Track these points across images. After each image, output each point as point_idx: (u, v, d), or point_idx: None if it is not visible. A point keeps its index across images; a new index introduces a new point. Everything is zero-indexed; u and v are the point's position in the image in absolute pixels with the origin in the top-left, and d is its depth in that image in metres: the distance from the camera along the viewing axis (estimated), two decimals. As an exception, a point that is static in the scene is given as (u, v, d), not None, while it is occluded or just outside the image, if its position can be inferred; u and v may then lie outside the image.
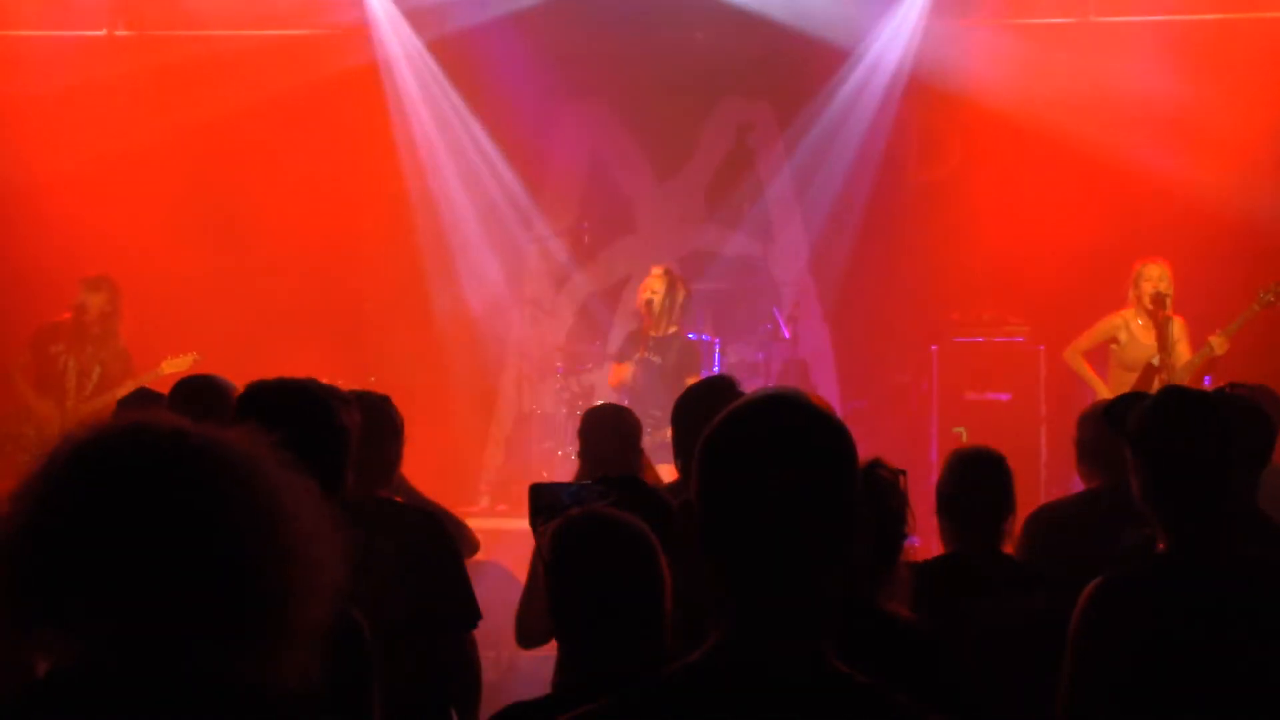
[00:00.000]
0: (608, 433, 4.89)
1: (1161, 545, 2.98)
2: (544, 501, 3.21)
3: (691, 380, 8.51)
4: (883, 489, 3.07)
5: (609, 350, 9.85)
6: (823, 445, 1.74)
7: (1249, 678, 2.80)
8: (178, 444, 1.61)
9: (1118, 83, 9.69)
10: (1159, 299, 8.11)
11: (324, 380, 3.27)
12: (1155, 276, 8.23)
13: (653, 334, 8.67)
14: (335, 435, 3.08)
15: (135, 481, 1.57)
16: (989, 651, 3.43)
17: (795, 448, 1.72)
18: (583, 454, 4.93)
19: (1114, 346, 8.43)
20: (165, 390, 7.93)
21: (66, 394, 8.30)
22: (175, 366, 8.28)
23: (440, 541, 4.11)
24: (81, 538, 1.55)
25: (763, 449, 1.72)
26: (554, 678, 4.33)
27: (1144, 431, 3.00)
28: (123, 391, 8.26)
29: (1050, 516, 4.61)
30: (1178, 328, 8.20)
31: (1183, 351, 8.12)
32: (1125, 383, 8.15)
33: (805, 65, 10.38)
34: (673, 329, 8.72)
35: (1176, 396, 3.09)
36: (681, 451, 4.23)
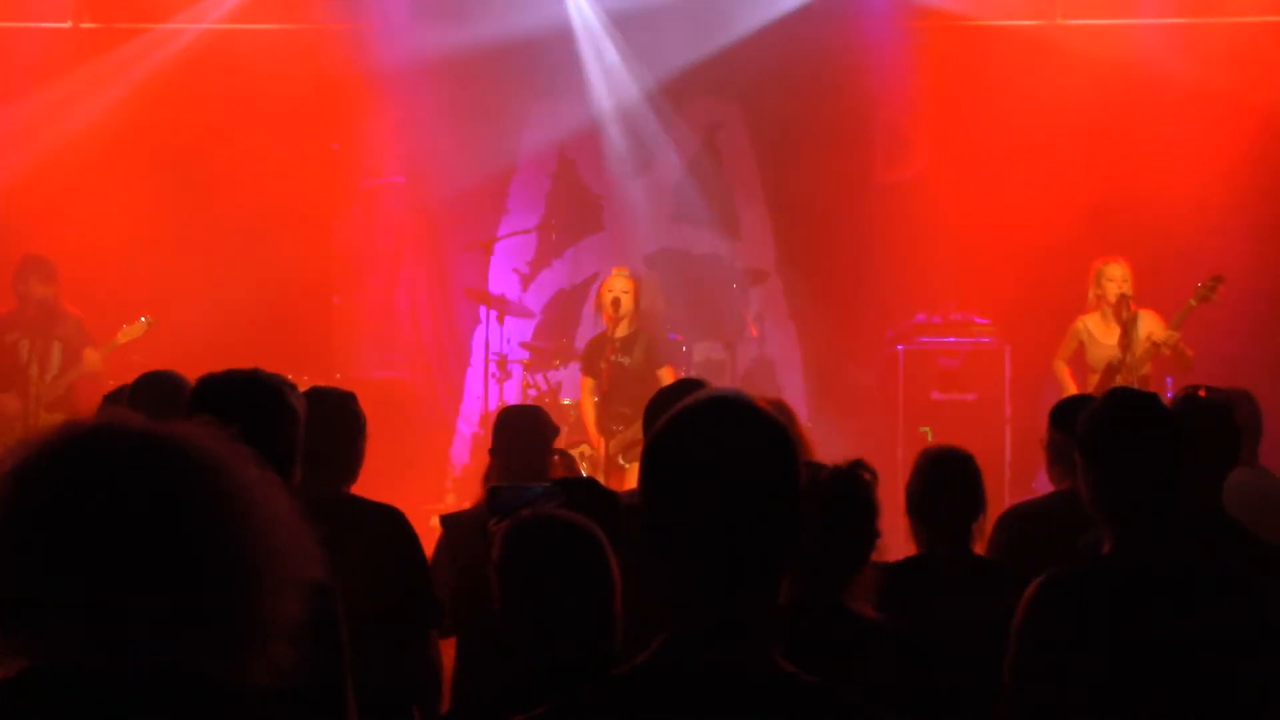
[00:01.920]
0: (522, 431, 4.86)
1: (1107, 546, 3.00)
2: (501, 503, 3.21)
3: (663, 372, 8.55)
4: (863, 490, 3.09)
5: (576, 347, 9.84)
6: (763, 447, 1.74)
7: (1180, 676, 2.82)
8: (146, 443, 1.59)
9: (1084, 85, 9.75)
10: (1122, 300, 8.18)
11: (289, 376, 3.28)
12: (1118, 278, 8.29)
13: (616, 336, 8.67)
14: (287, 422, 3.10)
15: (104, 482, 1.55)
16: (958, 650, 3.45)
17: (735, 450, 1.73)
18: (494, 451, 4.89)
19: (1082, 350, 8.50)
20: (122, 358, 8.01)
21: (32, 380, 8.26)
22: (130, 334, 8.28)
23: (404, 538, 4.10)
24: (48, 539, 1.53)
25: (704, 452, 1.73)
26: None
27: (1089, 434, 3.01)
28: (87, 361, 8.24)
29: (1021, 517, 4.62)
30: (1148, 321, 8.26)
31: (1146, 345, 8.20)
32: (1090, 383, 8.22)
33: (774, 65, 10.38)
34: (633, 328, 8.73)
35: (1122, 399, 3.10)
36: None
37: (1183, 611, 2.86)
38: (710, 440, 1.74)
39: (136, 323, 8.29)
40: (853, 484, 3.08)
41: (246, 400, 3.06)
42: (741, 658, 1.71)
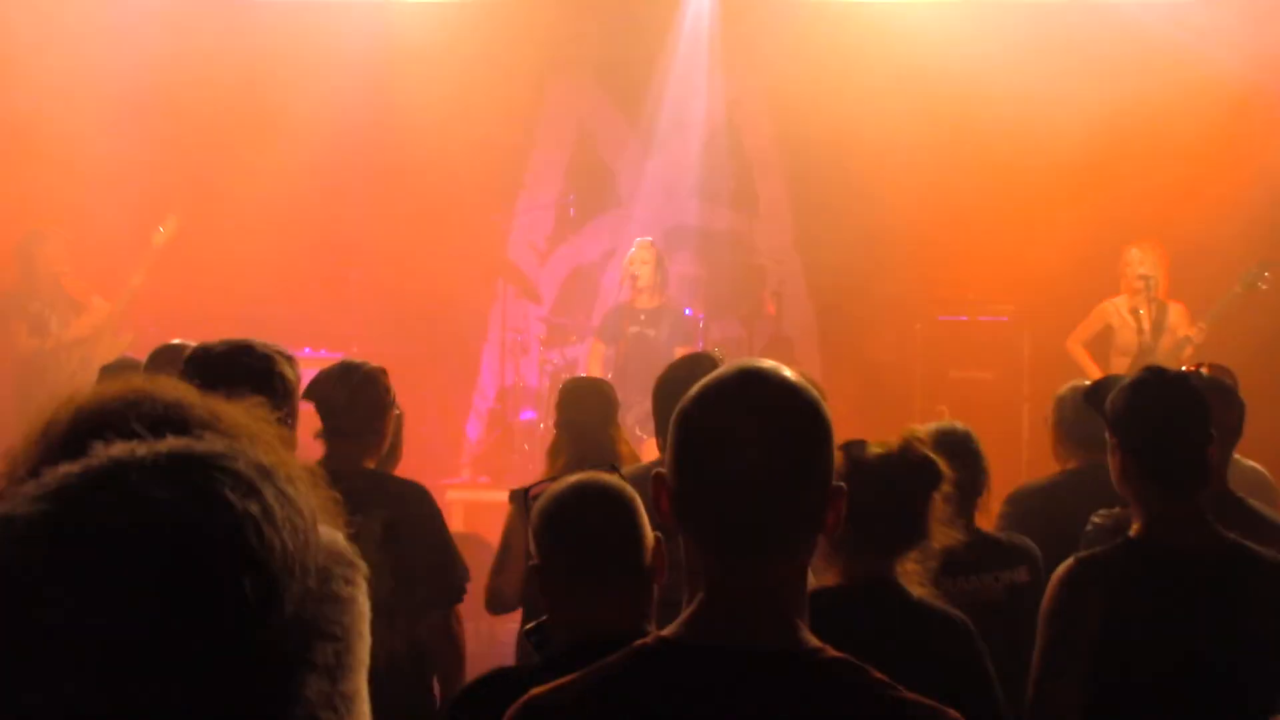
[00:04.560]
0: (589, 404, 4.88)
1: (1136, 526, 2.99)
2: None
3: (683, 349, 8.53)
4: (916, 468, 3.04)
5: (592, 324, 9.84)
6: (795, 418, 1.73)
7: (1216, 660, 2.82)
8: (181, 415, 1.44)
9: (1108, 61, 9.67)
10: (1143, 281, 8.12)
11: (305, 348, 3.28)
12: (1137, 260, 8.23)
13: (642, 308, 8.64)
14: (281, 393, 3.08)
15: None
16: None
17: (767, 420, 1.71)
18: (560, 424, 4.90)
19: (1110, 333, 8.47)
20: (136, 327, 8.11)
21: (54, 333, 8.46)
22: (162, 237, 8.56)
23: (426, 514, 4.10)
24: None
25: (735, 421, 1.71)
26: (519, 640, 4.34)
27: (1121, 412, 3.01)
28: (97, 308, 8.40)
29: (1028, 496, 4.63)
30: (1174, 314, 8.19)
31: (1171, 338, 8.11)
32: (1120, 367, 8.18)
33: (795, 40, 10.35)
34: (659, 301, 8.71)
35: (1155, 377, 3.09)
36: (663, 428, 4.22)
37: (1214, 592, 2.86)
38: (745, 408, 1.72)
39: (167, 222, 8.59)
40: (908, 461, 3.01)
41: (239, 370, 3.01)
42: (766, 631, 1.71)
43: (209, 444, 1.01)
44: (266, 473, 1.02)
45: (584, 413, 4.82)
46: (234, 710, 0.91)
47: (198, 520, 0.92)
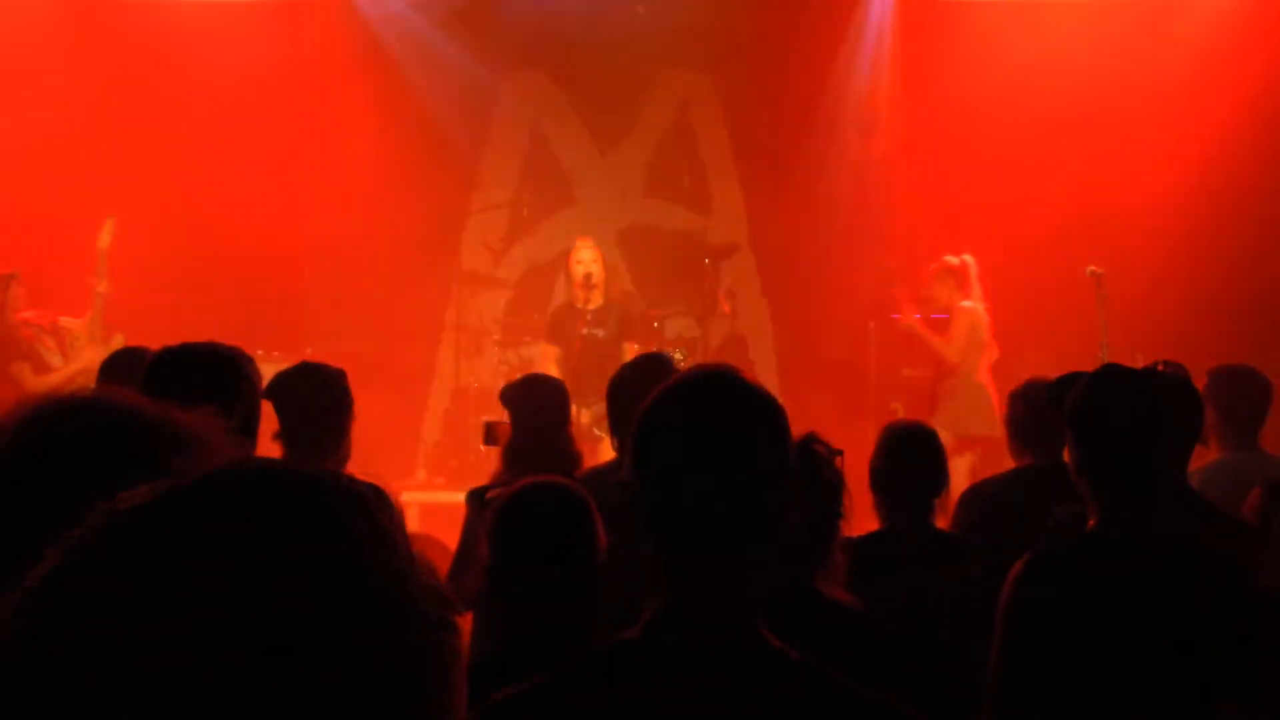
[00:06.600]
0: (544, 403, 4.84)
1: (1092, 521, 3.02)
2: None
3: (629, 344, 8.52)
4: (818, 466, 3.03)
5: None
6: (755, 422, 1.74)
7: (1168, 655, 2.85)
8: (131, 421, 1.41)
9: (1063, 63, 9.74)
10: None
11: (260, 350, 3.27)
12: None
13: (588, 308, 8.63)
14: (246, 395, 3.08)
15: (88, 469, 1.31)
16: (922, 626, 3.46)
17: (727, 425, 1.73)
18: (514, 423, 4.87)
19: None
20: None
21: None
22: (106, 239, 8.35)
23: (386, 515, 4.06)
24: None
25: (695, 426, 1.72)
26: (470, 644, 4.32)
27: (1081, 408, 3.04)
28: (82, 329, 8.25)
29: (983, 494, 4.65)
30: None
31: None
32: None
33: (748, 39, 10.37)
34: (602, 300, 8.71)
35: (1114, 374, 3.12)
36: (618, 429, 4.22)
37: (1167, 587, 2.88)
38: (705, 413, 1.74)
39: (105, 226, 8.39)
40: (807, 459, 2.88)
41: (204, 372, 3.01)
42: (729, 633, 1.71)
43: (295, 467, 0.92)
44: (360, 502, 0.91)
45: (539, 412, 4.80)
46: None
47: (276, 551, 0.81)
